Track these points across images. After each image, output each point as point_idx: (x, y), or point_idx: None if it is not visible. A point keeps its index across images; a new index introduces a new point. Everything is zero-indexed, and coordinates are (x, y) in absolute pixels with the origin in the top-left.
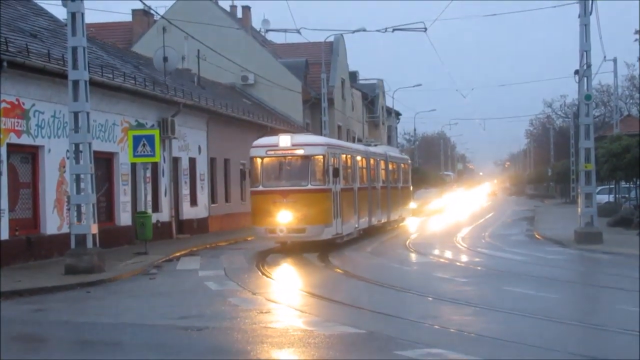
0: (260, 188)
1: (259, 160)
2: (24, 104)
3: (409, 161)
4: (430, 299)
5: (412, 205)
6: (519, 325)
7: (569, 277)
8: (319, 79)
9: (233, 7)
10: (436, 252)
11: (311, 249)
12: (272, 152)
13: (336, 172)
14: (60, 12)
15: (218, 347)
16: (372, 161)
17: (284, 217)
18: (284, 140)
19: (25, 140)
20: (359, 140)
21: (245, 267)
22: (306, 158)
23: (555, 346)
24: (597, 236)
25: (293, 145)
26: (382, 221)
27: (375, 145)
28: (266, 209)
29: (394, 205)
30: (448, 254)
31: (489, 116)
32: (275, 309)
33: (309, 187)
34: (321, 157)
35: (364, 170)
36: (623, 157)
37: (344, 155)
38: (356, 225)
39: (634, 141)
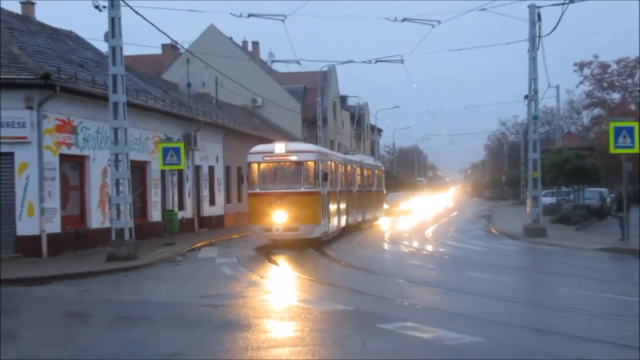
0: (257, 190)
1: (255, 165)
2: (73, 121)
3: (382, 168)
4: (405, 281)
5: (385, 206)
6: (479, 303)
7: (519, 265)
8: (315, 102)
9: (244, 42)
10: (409, 244)
11: (304, 244)
12: (269, 158)
13: (325, 177)
14: (102, 46)
15: (231, 321)
16: (349, 167)
17: (279, 217)
18: (279, 147)
19: (74, 151)
20: (337, 150)
21: (254, 256)
22: (299, 163)
23: (509, 320)
24: (542, 231)
25: (287, 152)
26: (358, 220)
27: (353, 154)
28: (263, 209)
29: (368, 206)
30: (419, 245)
31: (455, 132)
32: (279, 290)
33: (302, 189)
34: (312, 162)
35: (343, 175)
36: (564, 166)
37: (329, 162)
38: (337, 224)
39: (572, 154)
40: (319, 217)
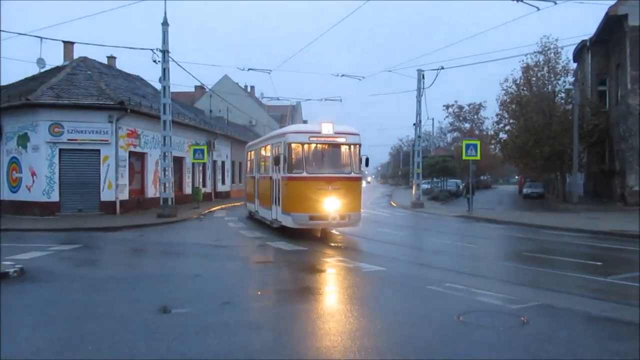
0: (304, 174)
1: (299, 147)
2: (137, 131)
3: None
4: (339, 234)
5: None
6: (384, 247)
7: (408, 224)
8: (288, 124)
9: (246, 85)
10: None
11: None
12: (315, 139)
13: (367, 162)
14: (157, 85)
15: (234, 255)
16: None
17: (331, 205)
18: (327, 127)
19: (138, 149)
20: None
21: (248, 216)
22: (348, 146)
23: (401, 257)
24: (422, 204)
25: (336, 133)
26: None
27: None
28: (310, 195)
29: None
30: None
31: (372, 144)
32: (265, 236)
33: (352, 175)
34: (358, 146)
35: None
36: (435, 166)
37: None
38: None
39: (441, 159)
40: (361, 203)
